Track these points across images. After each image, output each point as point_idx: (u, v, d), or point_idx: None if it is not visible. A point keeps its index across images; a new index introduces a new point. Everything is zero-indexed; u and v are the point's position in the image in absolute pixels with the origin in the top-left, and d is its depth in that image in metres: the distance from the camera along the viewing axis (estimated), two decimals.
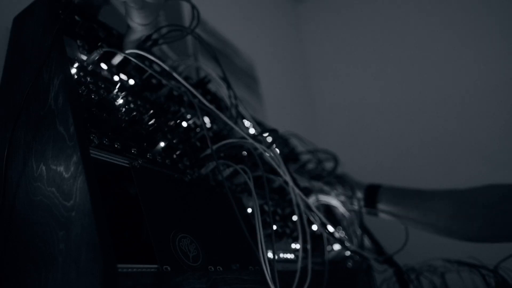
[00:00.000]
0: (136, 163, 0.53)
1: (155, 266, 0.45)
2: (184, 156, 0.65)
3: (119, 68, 0.64)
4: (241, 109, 0.79)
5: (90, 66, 0.57)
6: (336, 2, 2.29)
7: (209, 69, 0.81)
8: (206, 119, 0.80)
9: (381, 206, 0.95)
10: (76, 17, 0.60)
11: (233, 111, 0.77)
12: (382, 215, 0.97)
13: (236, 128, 0.67)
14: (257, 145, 0.65)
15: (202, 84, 0.86)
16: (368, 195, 0.98)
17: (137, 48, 0.63)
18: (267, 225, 0.68)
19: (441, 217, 0.83)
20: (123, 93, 0.57)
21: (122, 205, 0.47)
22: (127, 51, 0.62)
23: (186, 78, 0.82)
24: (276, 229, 0.75)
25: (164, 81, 0.69)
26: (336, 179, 1.04)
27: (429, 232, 0.88)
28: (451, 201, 0.83)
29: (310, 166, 1.13)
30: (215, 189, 0.67)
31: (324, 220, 0.78)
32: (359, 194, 1.00)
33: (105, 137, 0.51)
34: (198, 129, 0.73)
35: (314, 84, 2.29)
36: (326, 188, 0.99)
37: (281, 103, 1.86)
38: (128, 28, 0.61)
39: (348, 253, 0.91)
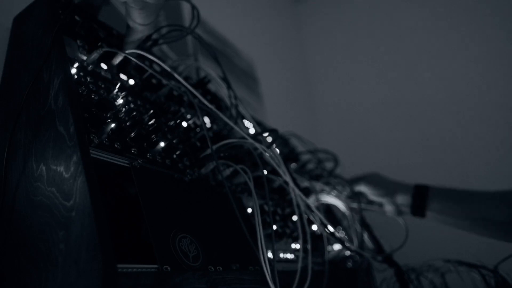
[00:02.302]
0: (136, 163, 0.53)
1: (155, 266, 0.45)
2: (184, 156, 0.65)
3: (119, 68, 0.64)
4: (241, 109, 0.79)
5: (90, 66, 0.57)
6: (336, 2, 2.29)
7: (209, 69, 0.81)
8: (206, 119, 0.80)
9: (431, 213, 0.89)
10: (76, 17, 0.60)
11: (233, 111, 0.77)
12: (429, 219, 0.91)
13: (236, 128, 0.67)
14: (257, 145, 0.65)
15: (202, 84, 0.86)
16: (416, 201, 0.89)
17: (137, 48, 0.63)
18: (267, 225, 0.68)
19: (500, 224, 0.81)
20: (123, 93, 0.57)
21: (122, 205, 0.47)
22: (127, 51, 0.62)
23: (186, 78, 0.82)
24: (276, 229, 0.75)
25: (164, 81, 0.69)
26: (364, 181, 0.97)
27: (484, 236, 0.86)
28: (509, 206, 0.81)
29: (310, 166, 1.13)
30: (215, 189, 0.67)
31: (324, 220, 0.78)
32: (400, 199, 0.92)
33: (105, 137, 0.51)
34: (198, 129, 0.73)
35: (314, 84, 2.29)
36: (326, 188, 0.99)
37: (281, 103, 1.86)
38: (128, 28, 0.61)
39: (348, 253, 0.91)
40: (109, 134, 0.51)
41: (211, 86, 0.89)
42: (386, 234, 1.04)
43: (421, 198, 0.89)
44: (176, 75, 0.63)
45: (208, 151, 0.66)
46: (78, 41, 0.59)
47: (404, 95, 1.94)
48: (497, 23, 1.75)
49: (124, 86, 0.63)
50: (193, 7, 0.75)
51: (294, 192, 0.70)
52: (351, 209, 0.97)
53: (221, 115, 0.64)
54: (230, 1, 1.64)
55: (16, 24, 0.64)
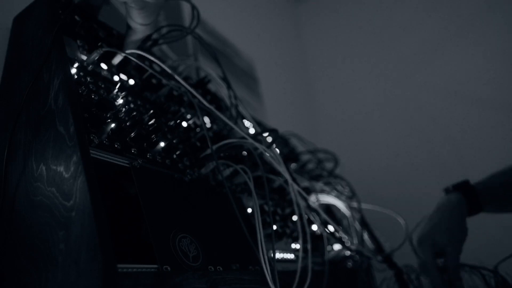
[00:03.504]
0: (136, 163, 0.53)
1: (155, 266, 0.45)
2: (184, 156, 0.65)
3: (119, 68, 0.64)
4: (241, 109, 0.79)
5: (90, 66, 0.57)
6: (336, 2, 2.29)
7: (209, 69, 0.81)
8: (206, 119, 0.80)
9: (486, 209, 0.85)
10: (76, 17, 0.60)
11: (233, 111, 0.77)
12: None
13: (236, 128, 0.67)
14: (257, 145, 0.65)
15: (202, 84, 0.86)
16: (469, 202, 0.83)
17: (137, 48, 0.63)
18: (267, 225, 0.68)
19: None
20: (123, 93, 0.57)
21: (122, 205, 0.47)
22: (127, 51, 0.62)
23: (186, 78, 0.82)
24: (276, 229, 0.75)
25: (164, 81, 0.69)
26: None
27: None
28: None
29: (310, 166, 1.13)
30: (215, 189, 0.67)
31: (324, 220, 0.78)
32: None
33: (105, 137, 0.51)
34: (198, 129, 0.73)
35: (314, 84, 2.29)
36: (326, 188, 0.99)
37: (281, 103, 1.86)
38: (129, 28, 0.61)
39: (348, 253, 0.91)
40: (109, 134, 0.51)
41: (211, 86, 0.89)
42: (386, 234, 1.04)
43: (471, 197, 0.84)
44: (176, 76, 0.63)
45: (208, 151, 0.66)
46: (78, 41, 0.59)
47: (404, 95, 1.93)
48: (497, 20, 1.75)
49: (124, 86, 0.63)
50: (193, 7, 0.75)
51: (294, 192, 0.70)
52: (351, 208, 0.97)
53: (221, 115, 0.64)
54: (230, 1, 1.64)
55: (16, 24, 0.64)
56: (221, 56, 1.39)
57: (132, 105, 0.61)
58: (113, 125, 0.51)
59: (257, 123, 0.86)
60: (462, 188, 0.84)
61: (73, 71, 0.53)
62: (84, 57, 0.57)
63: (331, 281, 0.75)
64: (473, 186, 0.85)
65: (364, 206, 1.02)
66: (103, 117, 0.52)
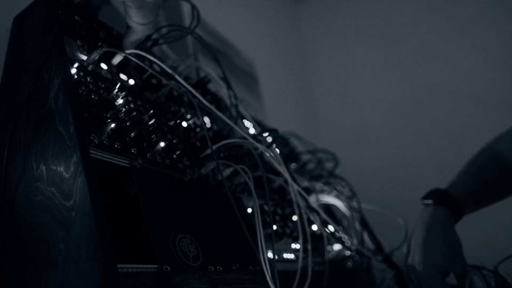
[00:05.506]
0: (136, 163, 0.53)
1: (155, 266, 0.45)
2: (184, 156, 0.65)
3: (119, 68, 0.64)
4: (241, 109, 0.79)
5: (90, 66, 0.57)
6: (336, 2, 2.29)
7: (209, 69, 0.81)
8: (206, 119, 0.80)
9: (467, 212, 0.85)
10: (76, 17, 0.60)
11: (233, 111, 0.77)
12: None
13: (236, 128, 0.67)
14: (257, 145, 0.65)
15: (202, 84, 0.86)
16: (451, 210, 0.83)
17: (137, 48, 0.63)
18: (267, 225, 0.68)
19: None
20: (123, 93, 0.57)
21: (122, 205, 0.47)
22: (127, 51, 0.62)
23: (186, 78, 0.82)
24: (276, 229, 0.75)
25: (164, 81, 0.69)
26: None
27: None
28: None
29: (310, 166, 1.13)
30: (215, 189, 0.67)
31: (324, 219, 0.78)
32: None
33: (105, 137, 0.51)
34: (198, 129, 0.73)
35: (314, 84, 2.29)
36: (326, 188, 0.99)
37: (281, 103, 1.86)
38: (128, 28, 0.61)
39: (348, 253, 0.91)
40: (109, 134, 0.51)
41: (211, 86, 0.89)
42: (386, 234, 1.04)
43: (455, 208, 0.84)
44: (176, 76, 0.63)
45: (208, 151, 0.66)
46: (78, 41, 0.59)
47: (404, 95, 1.93)
48: (497, 21, 1.75)
49: (124, 86, 0.63)
50: (193, 7, 0.75)
51: (294, 192, 0.70)
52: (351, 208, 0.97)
53: (221, 115, 0.64)
54: (230, 1, 1.64)
55: (16, 24, 0.64)
56: (221, 56, 1.39)
57: (132, 105, 0.61)
58: (113, 125, 0.51)
59: (257, 123, 0.86)
60: (447, 202, 0.83)
61: (73, 71, 0.53)
62: (84, 57, 0.57)
63: (331, 281, 0.75)
64: (454, 196, 0.83)
65: (364, 206, 1.02)
66: (103, 117, 0.52)
